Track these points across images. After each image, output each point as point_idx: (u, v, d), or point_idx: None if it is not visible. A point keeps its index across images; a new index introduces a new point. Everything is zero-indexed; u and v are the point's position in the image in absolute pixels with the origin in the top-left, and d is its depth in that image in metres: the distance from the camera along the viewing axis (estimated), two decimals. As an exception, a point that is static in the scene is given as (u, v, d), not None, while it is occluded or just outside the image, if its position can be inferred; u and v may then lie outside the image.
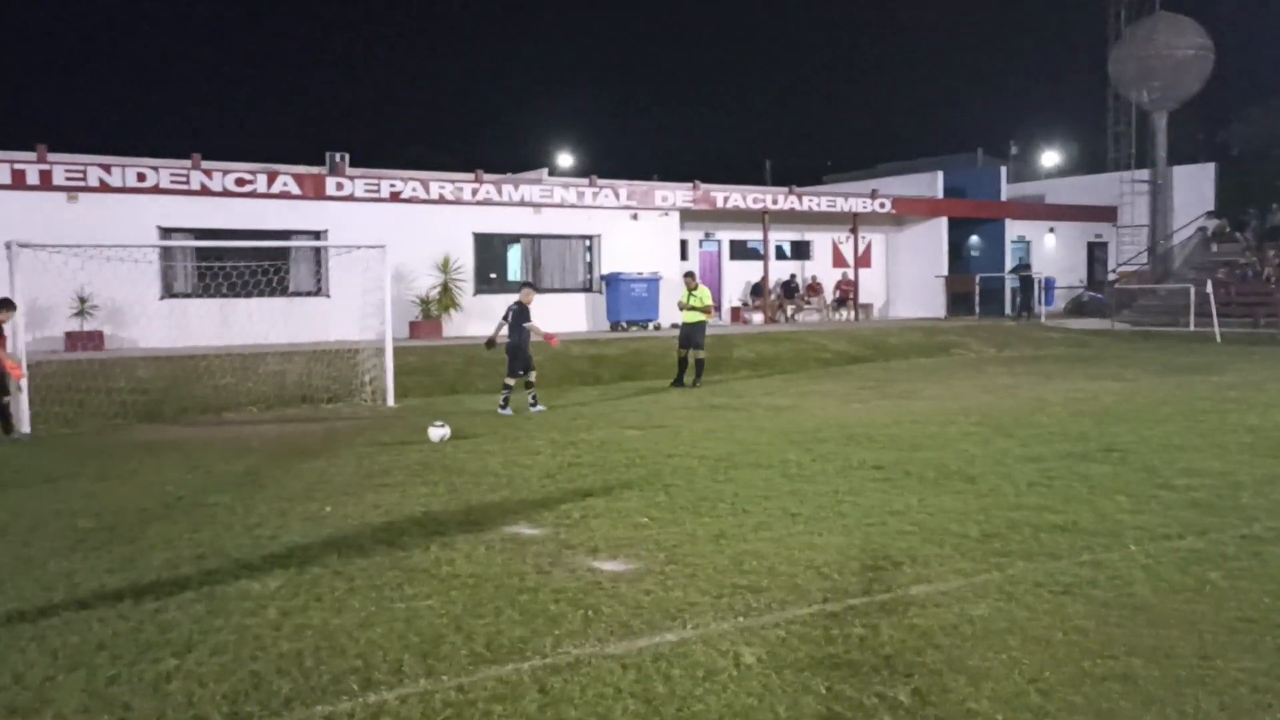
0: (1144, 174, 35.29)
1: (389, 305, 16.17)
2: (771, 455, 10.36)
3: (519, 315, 14.67)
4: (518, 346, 14.55)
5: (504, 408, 14.24)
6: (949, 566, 6.30)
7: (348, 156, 24.22)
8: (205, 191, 21.28)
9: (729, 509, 7.90)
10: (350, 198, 22.96)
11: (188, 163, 21.51)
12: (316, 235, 22.16)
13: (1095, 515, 7.60)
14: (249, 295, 19.08)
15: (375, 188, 23.41)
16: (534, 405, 14.53)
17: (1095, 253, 37.54)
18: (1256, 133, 42.84)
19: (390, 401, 15.56)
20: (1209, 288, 28.17)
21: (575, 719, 4.14)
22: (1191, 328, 28.43)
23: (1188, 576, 6.01)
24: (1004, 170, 38.63)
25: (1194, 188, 35.55)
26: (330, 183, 22.92)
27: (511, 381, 14.55)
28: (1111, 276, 35.68)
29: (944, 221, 33.17)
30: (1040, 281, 33.15)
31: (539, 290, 25.49)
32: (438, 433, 11.59)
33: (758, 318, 30.29)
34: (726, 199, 28.59)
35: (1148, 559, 6.40)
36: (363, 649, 4.93)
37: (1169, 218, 34.64)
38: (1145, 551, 6.57)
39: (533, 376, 14.76)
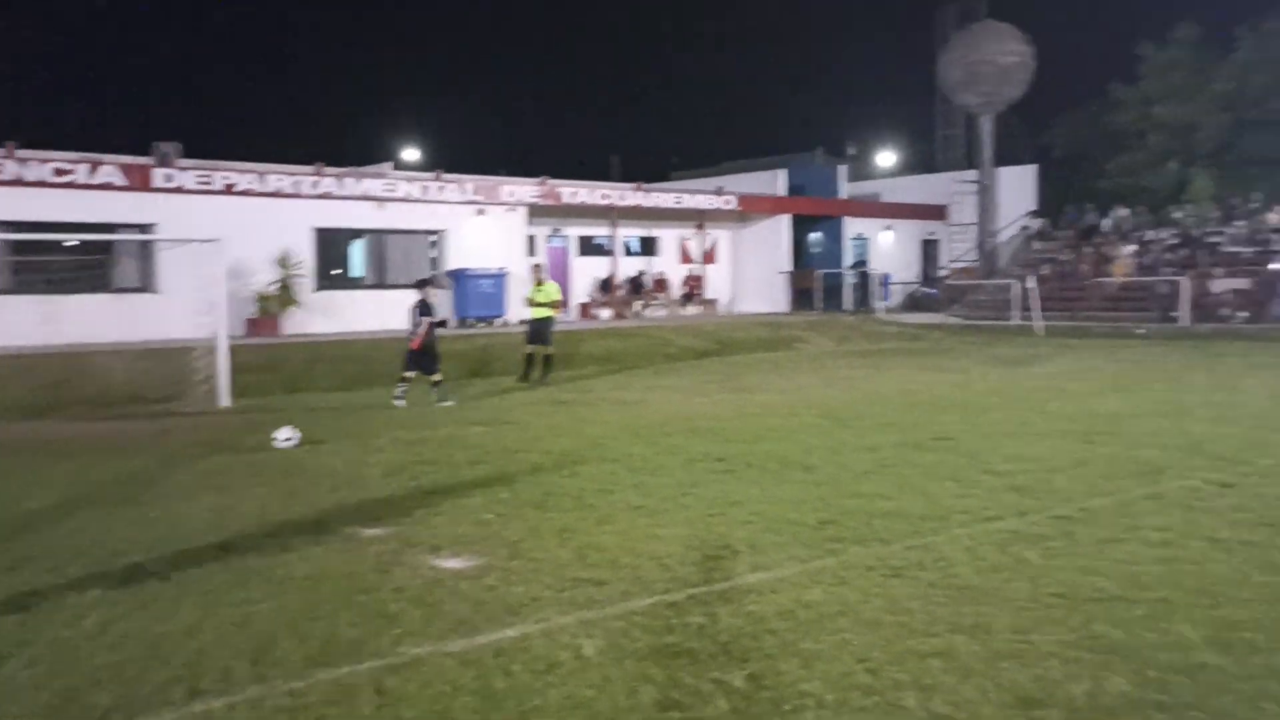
0: (972, 174, 36.94)
1: (223, 302, 15.58)
2: (617, 449, 10.43)
3: (423, 310, 14.97)
4: (429, 343, 14.93)
5: (399, 399, 14.55)
6: (786, 554, 6.47)
7: (178, 147, 23.18)
8: (20, 182, 20.07)
9: (573, 503, 7.92)
10: (180, 190, 22.00)
11: (1, 151, 20.23)
12: (142, 229, 21.14)
13: (925, 500, 7.93)
14: (72, 292, 18.11)
15: (208, 180, 22.50)
16: (442, 400, 14.67)
17: (929, 250, 39.11)
18: (1074, 136, 45.28)
19: (225, 401, 15.00)
20: (1031, 283, 29.70)
21: (412, 718, 4.09)
22: (1016, 321, 29.94)
23: (1006, 556, 6.33)
24: (843, 169, 39.91)
25: (1018, 188, 37.43)
26: (158, 174, 21.92)
27: (410, 375, 14.82)
28: (944, 273, 37.25)
29: (787, 219, 34.04)
30: (878, 277, 34.37)
31: (384, 287, 25.19)
32: (284, 437, 10.90)
33: (606, 313, 30.43)
34: (574, 195, 28.62)
35: (971, 541, 6.71)
36: (190, 657, 4.74)
37: (996, 216, 36.36)
38: (969, 534, 6.89)
39: (438, 375, 14.96)
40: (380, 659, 4.70)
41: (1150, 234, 33.25)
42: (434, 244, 26.34)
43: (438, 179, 26.48)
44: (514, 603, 5.50)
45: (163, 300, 20.73)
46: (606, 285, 31.24)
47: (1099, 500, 7.81)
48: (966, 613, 5.30)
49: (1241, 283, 27.85)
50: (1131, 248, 32.25)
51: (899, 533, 6.95)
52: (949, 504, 7.78)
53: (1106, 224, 35.10)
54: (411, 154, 48.36)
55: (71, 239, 19.08)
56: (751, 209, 33.15)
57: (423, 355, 14.86)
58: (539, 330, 18.21)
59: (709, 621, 5.19)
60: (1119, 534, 6.80)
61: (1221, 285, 28.08)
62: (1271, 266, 27.65)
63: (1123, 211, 35.37)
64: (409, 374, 14.85)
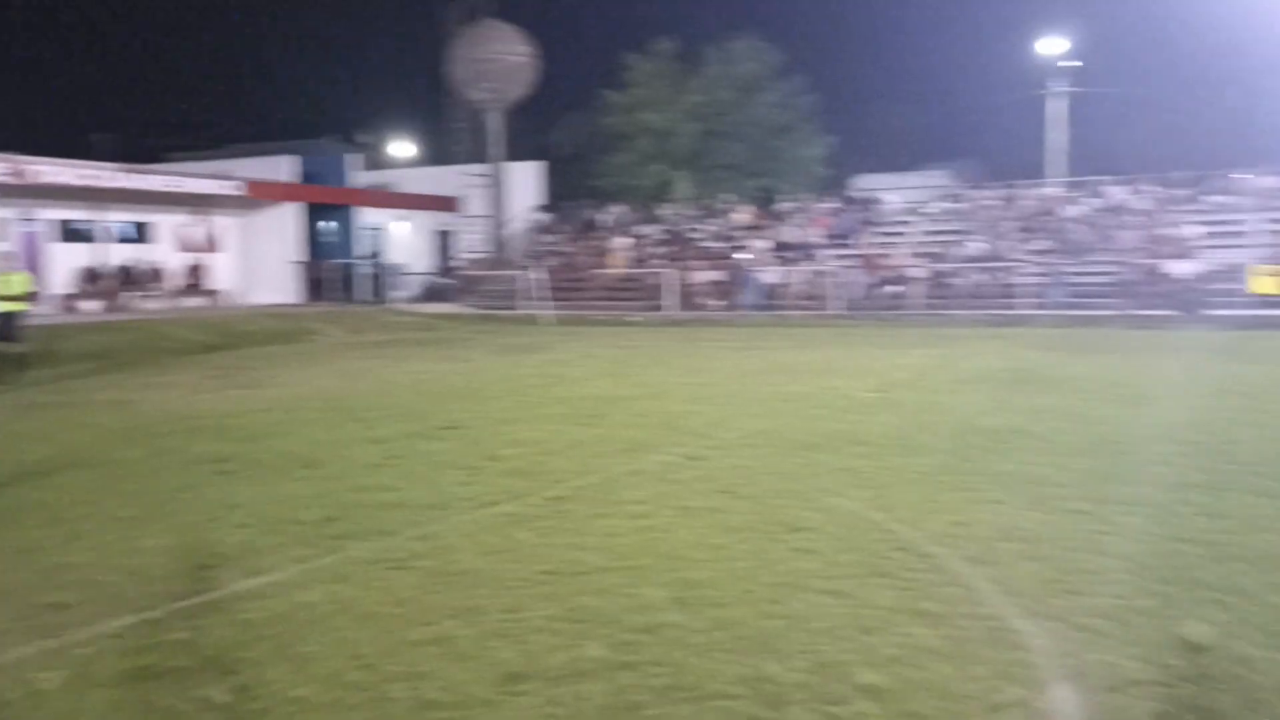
0: (483, 168, 38.04)
1: None
2: (102, 455, 9.51)
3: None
4: None
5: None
6: (285, 555, 6.27)
7: None
8: None
9: (43, 519, 7.10)
10: None
11: None
12: None
13: (429, 489, 8.05)
14: None
15: None
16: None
17: (443, 241, 39.74)
18: (575, 136, 48.27)
19: None
20: (538, 274, 31.22)
21: None
22: (526, 311, 31.34)
23: (503, 539, 6.61)
24: (355, 158, 39.33)
25: (526, 183, 39.15)
26: None
27: None
28: (458, 264, 38.04)
29: (299, 206, 32.93)
30: (392, 267, 34.33)
31: None
32: None
33: (94, 305, 27.55)
34: (49, 174, 25.55)
35: (472, 526, 6.93)
36: None
37: (506, 209, 37.74)
38: (470, 520, 7.10)
39: None
40: None
41: (642, 229, 36.26)
42: None
43: None
44: (-45, 641, 4.82)
45: None
46: (93, 275, 28.27)
47: (589, 478, 8.39)
48: (462, 597, 5.47)
49: (717, 275, 31.26)
50: (626, 241, 34.97)
51: (402, 524, 7.00)
52: (453, 491, 7.97)
53: (604, 219, 37.74)
54: None
55: None
56: (259, 195, 31.63)
57: None
58: (6, 326, 16.11)
59: (194, 636, 4.89)
60: (604, 509, 7.36)
61: (701, 277, 31.32)
62: (738, 257, 31.30)
63: (618, 208, 38.24)
64: None
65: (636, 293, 32.38)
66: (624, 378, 15.64)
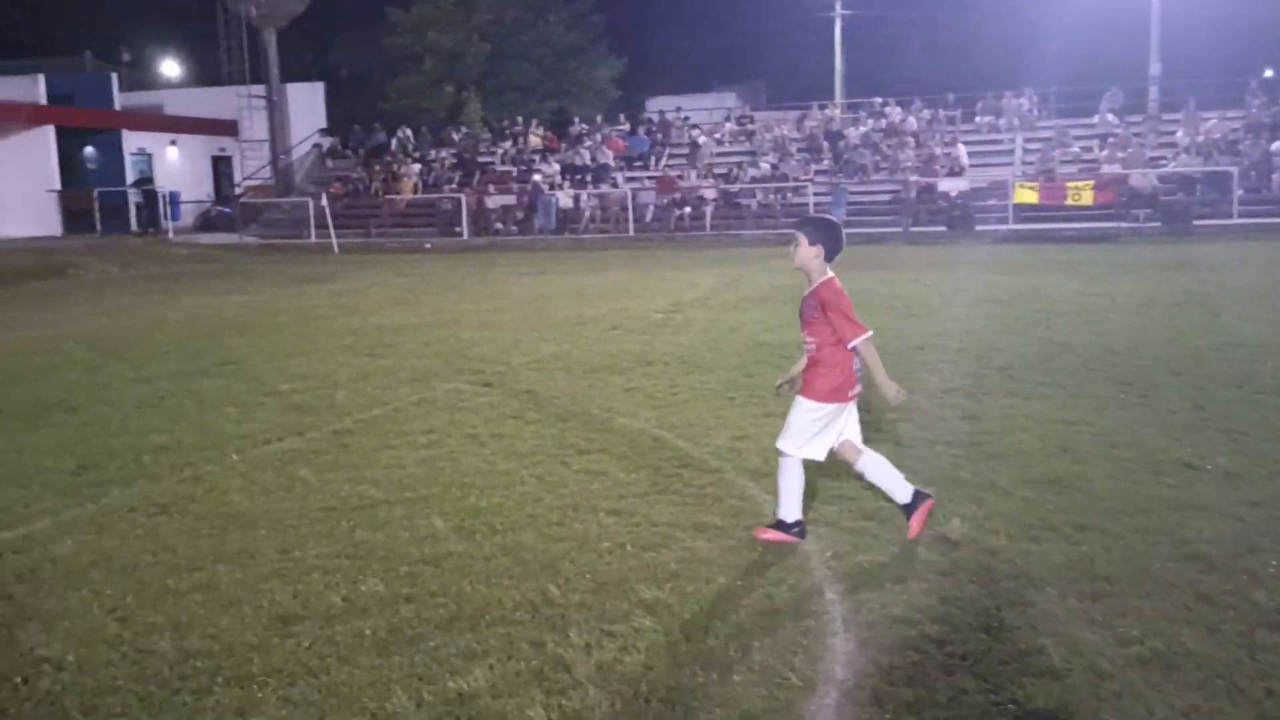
0: (260, 89, 36.04)
1: None
2: None
3: None
4: None
5: None
6: (35, 508, 5.82)
7: None
8: None
9: None
10: None
11: None
12: None
13: (201, 430, 7.64)
14: None
15: None
16: None
17: (220, 166, 37.60)
18: (361, 57, 46.31)
19: None
20: (324, 201, 30.00)
21: None
22: (313, 239, 30.11)
23: (282, 477, 6.34)
24: (117, 78, 36.47)
25: (308, 106, 37.35)
26: None
27: None
28: (238, 191, 36.10)
29: (51, 130, 30.32)
30: (165, 196, 32.22)
31: None
32: None
33: None
34: None
35: (247, 466, 6.61)
36: None
37: (288, 134, 35.96)
38: (246, 459, 6.78)
39: None
40: None
41: (432, 154, 35.31)
42: None
43: None
44: None
45: None
46: None
47: (375, 411, 8.15)
48: (234, 540, 5.22)
49: (510, 199, 30.85)
50: (416, 167, 33.99)
51: (170, 467, 6.62)
52: (228, 431, 7.59)
53: (393, 144, 36.53)
54: None
55: None
56: (4, 118, 28.92)
57: None
58: None
59: (-74, 600, 4.48)
60: (390, 441, 7.17)
61: (495, 201, 30.84)
62: (532, 181, 30.96)
63: (406, 132, 37.06)
64: None
65: (429, 219, 31.63)
66: (415, 306, 15.27)
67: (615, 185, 31.05)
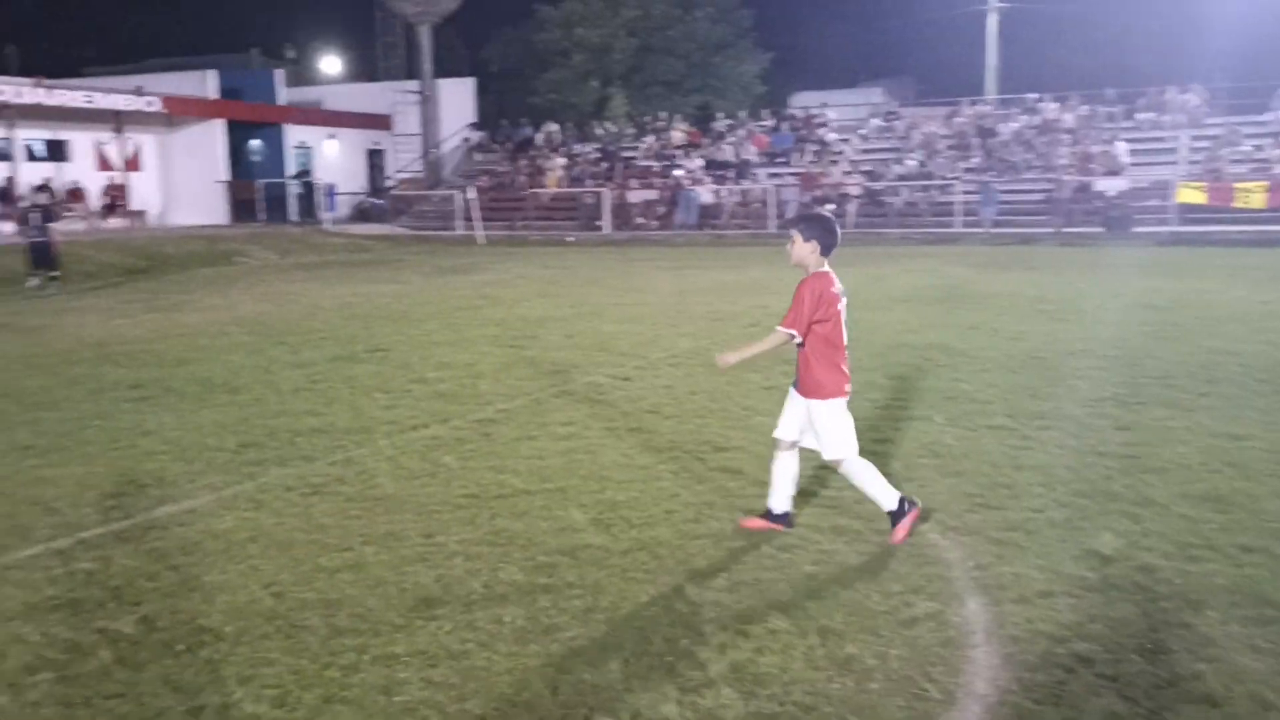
0: (414, 85, 37.10)
1: None
2: (7, 383, 9.22)
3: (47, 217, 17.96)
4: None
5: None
6: (199, 483, 6.13)
7: None
8: None
9: (-58, 451, 6.86)
10: None
11: None
12: None
13: (353, 414, 7.92)
14: None
15: None
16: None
17: (374, 159, 38.87)
18: (512, 52, 47.17)
19: None
20: (472, 194, 30.72)
21: None
22: (460, 231, 30.88)
23: (426, 463, 6.52)
24: (281, 74, 38.10)
25: (459, 101, 38.27)
26: None
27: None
28: (390, 183, 37.28)
29: (222, 124, 31.90)
30: (323, 187, 33.54)
31: None
32: None
33: (7, 228, 26.55)
34: (-46, 88, 24.42)
35: (394, 451, 6.83)
36: None
37: (438, 128, 36.93)
38: (393, 444, 7.00)
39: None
40: None
41: (577, 148, 35.74)
42: None
43: None
44: None
45: None
46: (5, 195, 27.21)
47: (517, 401, 8.31)
48: (381, 522, 5.39)
49: (652, 194, 30.99)
50: (561, 161, 34.48)
51: (323, 449, 6.88)
52: (376, 415, 7.85)
53: (539, 138, 37.13)
54: None
55: None
56: (179, 112, 30.60)
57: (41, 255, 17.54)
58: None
59: (100, 567, 4.77)
60: (531, 431, 7.30)
61: (637, 196, 31.03)
62: (674, 176, 31.03)
63: (553, 126, 37.61)
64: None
65: (572, 213, 32.04)
66: (557, 299, 15.50)
67: (757, 181, 30.87)
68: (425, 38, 36.11)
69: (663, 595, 4.39)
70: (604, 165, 33.96)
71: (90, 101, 27.93)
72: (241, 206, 32.02)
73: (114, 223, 29.15)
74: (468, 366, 9.85)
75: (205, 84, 32.84)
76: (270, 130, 34.38)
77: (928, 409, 7.72)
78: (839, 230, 5.14)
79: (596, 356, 10.31)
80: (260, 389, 8.90)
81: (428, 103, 36.28)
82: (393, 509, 5.62)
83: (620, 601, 4.33)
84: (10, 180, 26.96)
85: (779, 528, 5.14)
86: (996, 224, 26.37)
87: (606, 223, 30.50)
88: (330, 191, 34.31)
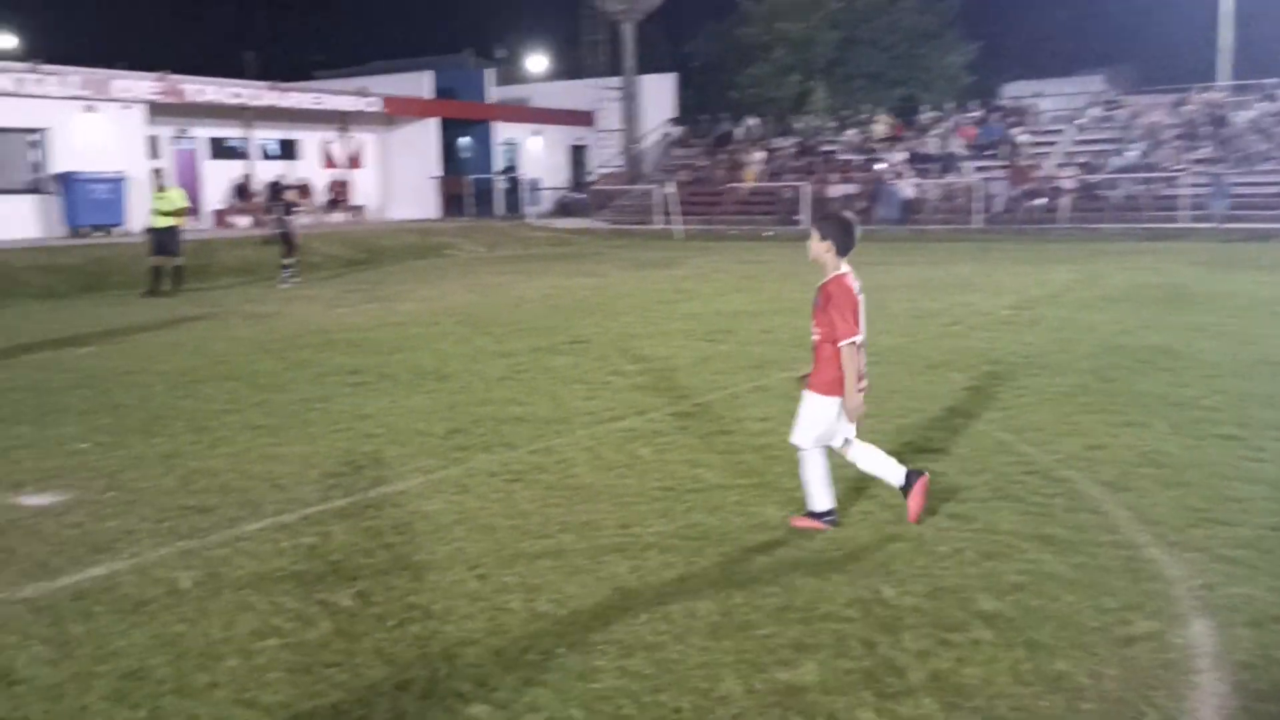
0: (617, 81, 37.71)
1: None
2: (242, 366, 9.90)
3: (291, 209, 18.72)
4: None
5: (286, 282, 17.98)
6: (410, 466, 6.42)
7: None
8: None
9: (185, 427, 7.43)
10: None
11: None
12: None
13: (553, 404, 8.12)
14: None
15: None
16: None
17: (577, 155, 39.75)
18: (713, 47, 47.27)
19: None
20: (671, 189, 30.97)
21: (-32, 678, 3.69)
22: (659, 226, 31.20)
23: (623, 454, 6.61)
24: (491, 73, 39.47)
25: (660, 96, 38.67)
26: None
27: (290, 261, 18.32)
28: (591, 178, 38.04)
29: (436, 122, 33.31)
30: (527, 182, 34.56)
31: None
32: None
33: (244, 221, 28.62)
34: (200, 92, 26.46)
35: (592, 441, 6.95)
36: None
37: (640, 123, 37.42)
38: (591, 435, 7.13)
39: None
40: (-66, 616, 4.21)
41: (776, 142, 35.50)
42: (34, 144, 23.51)
43: (34, 71, 23.51)
44: (103, 539, 5.09)
45: None
46: (243, 191, 29.32)
47: (713, 395, 8.33)
48: (579, 511, 5.50)
49: (852, 188, 30.45)
50: (760, 155, 34.33)
51: (525, 437, 7.08)
52: (576, 406, 8.02)
53: (739, 132, 37.07)
54: (6, 41, 42.67)
55: None
56: (398, 112, 32.16)
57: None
58: (163, 240, 16.89)
59: (321, 541, 5.06)
60: (727, 426, 7.30)
61: (837, 190, 30.56)
62: (876, 170, 30.37)
63: (752, 120, 37.48)
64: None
65: (770, 207, 31.86)
66: (754, 293, 15.45)
67: (963, 175, 29.85)
68: (629, 34, 36.64)
69: (860, 598, 4.30)
70: (803, 159, 33.61)
71: (319, 103, 29.70)
72: (452, 201, 33.37)
73: (337, 217, 30.91)
74: (664, 360, 9.93)
75: (422, 84, 34.39)
76: (480, 128, 35.67)
77: (1146, 415, 7.27)
78: (857, 231, 5.24)
79: (793, 352, 10.19)
80: (467, 377, 9.25)
81: (630, 99, 36.82)
82: (590, 498, 5.72)
83: (816, 601, 4.27)
84: (247, 177, 29.00)
85: (920, 496, 5.09)
86: (1228, 219, 24.58)
87: (805, 217, 30.16)
88: (535, 186, 35.33)
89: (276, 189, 25.14)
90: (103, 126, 24.23)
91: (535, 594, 4.41)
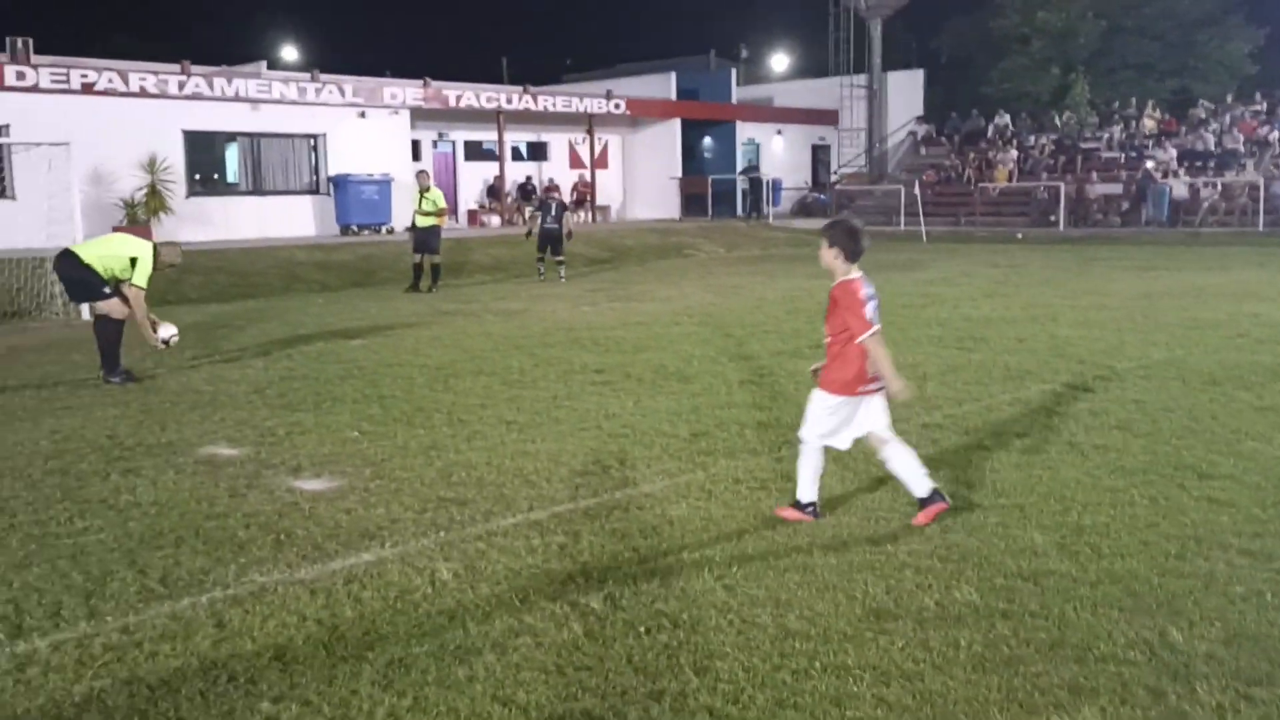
0: (862, 79, 36.96)
1: (77, 208, 14.76)
2: (495, 362, 10.26)
3: (560, 209, 19.57)
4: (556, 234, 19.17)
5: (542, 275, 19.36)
6: (656, 468, 6.43)
7: (30, 42, 21.70)
8: None
9: (444, 419, 7.75)
10: (35, 88, 20.66)
11: None
12: (-5, 130, 19.85)
13: (798, 410, 7.88)
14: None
15: (64, 77, 21.17)
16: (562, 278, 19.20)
17: (819, 155, 39.22)
18: (961, 42, 45.58)
19: (86, 315, 14.26)
20: (917, 189, 30.05)
21: (252, 652, 3.92)
22: (902, 227, 30.34)
23: (871, 465, 6.37)
24: (735, 73, 39.52)
25: (906, 93, 37.63)
26: (10, 71, 20.52)
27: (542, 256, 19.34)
28: (833, 178, 37.45)
29: (678, 123, 33.67)
30: (768, 182, 34.39)
31: (262, 193, 24.32)
32: (166, 332, 9.81)
33: (495, 220, 29.89)
34: (459, 98, 27.81)
35: (837, 451, 6.73)
36: (16, 592, 4.49)
37: (885, 121, 36.54)
38: (838, 443, 6.91)
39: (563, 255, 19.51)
40: (224, 589, 4.52)
41: (1031, 140, 33.80)
42: (314, 148, 25.38)
43: (315, 80, 25.38)
44: (371, 526, 5.35)
45: (17, 207, 19.55)
46: (495, 192, 30.62)
47: (965, 407, 7.94)
48: (826, 525, 5.33)
49: (1115, 187, 28.58)
50: (1013, 153, 32.78)
51: (770, 444, 6.96)
52: (821, 413, 7.81)
53: (989, 129, 35.55)
54: (288, 53, 46.33)
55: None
56: (641, 113, 32.71)
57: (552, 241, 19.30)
58: (425, 238, 17.79)
59: (570, 541, 5.12)
60: (983, 441, 6.92)
61: (1097, 190, 28.79)
62: (1146, 166, 28.38)
63: (1005, 117, 35.86)
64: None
65: (1023, 208, 30.39)
66: (1006, 299, 14.72)
67: (1243, 173, 27.44)
68: (876, 31, 35.83)
69: (1142, 638, 3.93)
70: (1060, 157, 31.84)
71: (567, 105, 30.61)
72: (691, 201, 33.63)
73: (581, 216, 31.78)
74: (911, 368, 9.54)
75: (666, 85, 34.85)
76: (722, 127, 35.78)
77: None
78: (864, 238, 5.44)
79: (1052, 363, 9.62)
80: (709, 379, 9.21)
81: (875, 96, 36.01)
82: (838, 512, 5.54)
83: (1091, 639, 3.94)
84: (498, 178, 30.25)
85: (941, 506, 5.25)
86: None
87: (1061, 219, 28.57)
88: (775, 186, 35.10)
89: (548, 188, 26.29)
90: (372, 131, 25.86)
91: (785, 609, 4.29)
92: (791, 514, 5.42)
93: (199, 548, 5.03)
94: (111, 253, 9.43)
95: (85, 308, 12.41)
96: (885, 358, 5.22)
